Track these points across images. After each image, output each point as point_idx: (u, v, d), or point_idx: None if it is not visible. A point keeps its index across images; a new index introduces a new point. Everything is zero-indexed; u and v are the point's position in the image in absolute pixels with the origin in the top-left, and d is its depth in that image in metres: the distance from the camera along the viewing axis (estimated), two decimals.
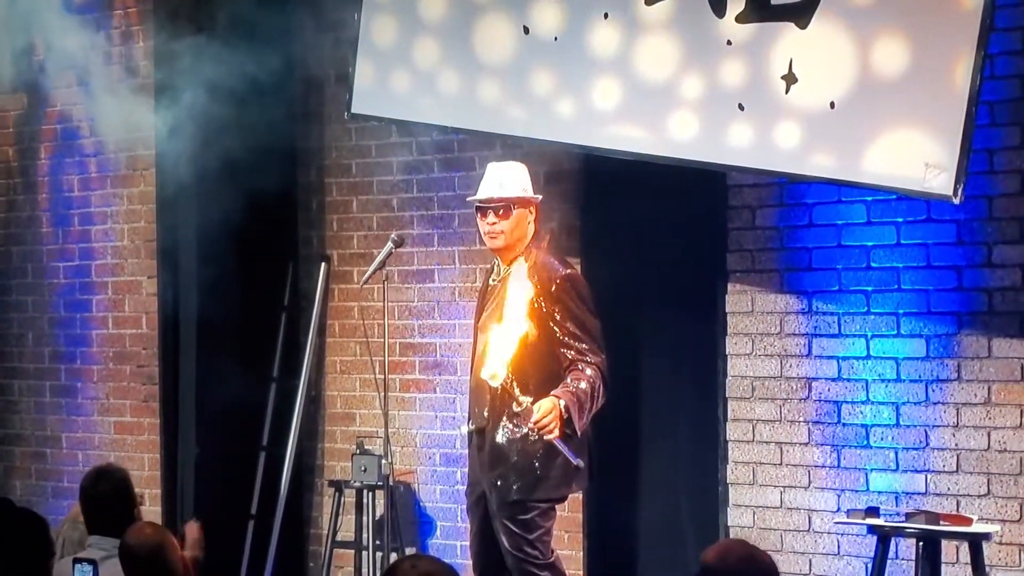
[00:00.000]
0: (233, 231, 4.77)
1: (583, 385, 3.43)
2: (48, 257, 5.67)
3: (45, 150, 5.69)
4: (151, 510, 5.03)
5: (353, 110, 4.58)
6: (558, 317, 3.50)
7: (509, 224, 3.58)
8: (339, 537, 4.73)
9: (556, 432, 3.36)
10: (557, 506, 3.60)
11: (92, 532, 3.25)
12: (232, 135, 4.63)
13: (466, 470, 3.89)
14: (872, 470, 4.03)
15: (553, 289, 3.51)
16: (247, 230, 4.82)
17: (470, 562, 3.71)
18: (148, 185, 5.33)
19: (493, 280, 3.66)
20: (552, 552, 3.55)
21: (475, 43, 4.27)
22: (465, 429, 3.66)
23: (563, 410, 3.38)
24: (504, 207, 3.60)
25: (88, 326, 5.54)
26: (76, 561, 2.99)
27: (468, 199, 3.77)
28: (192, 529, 3.37)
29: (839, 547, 4.09)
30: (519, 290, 3.48)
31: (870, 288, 4.05)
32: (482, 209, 3.64)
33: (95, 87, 5.49)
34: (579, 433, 3.43)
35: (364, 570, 4.57)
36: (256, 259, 4.91)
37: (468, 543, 3.70)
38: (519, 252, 3.60)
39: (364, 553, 4.58)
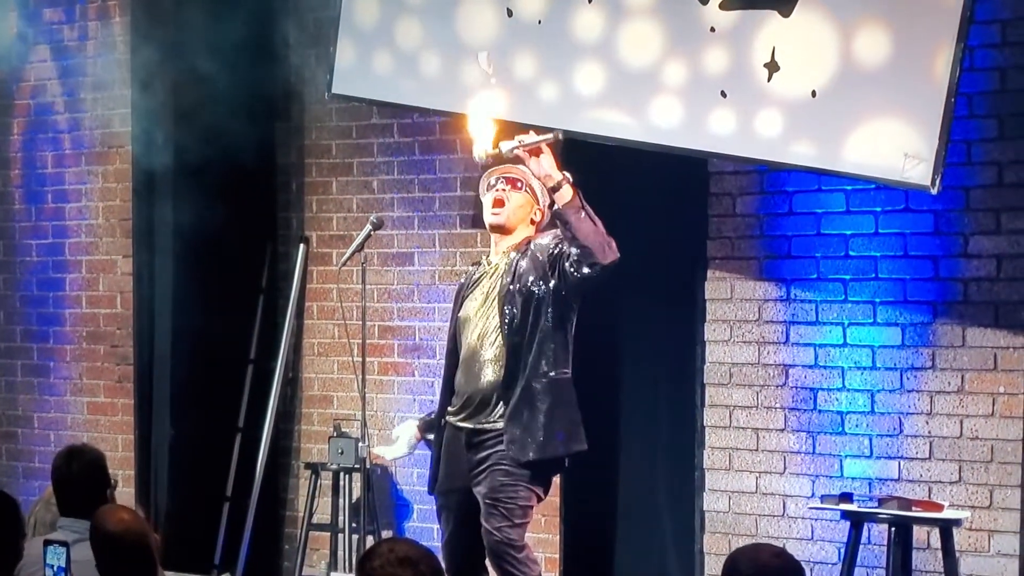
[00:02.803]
0: (210, 211, 4.73)
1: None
2: (21, 234, 5.60)
3: (18, 126, 5.61)
4: (125, 491, 4.99)
5: (334, 90, 4.55)
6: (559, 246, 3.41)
7: (514, 200, 3.49)
8: (315, 519, 4.72)
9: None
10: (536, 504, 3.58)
11: (64, 514, 3.18)
12: (210, 114, 4.58)
13: None
14: (846, 456, 4.08)
15: (555, 243, 3.44)
16: (225, 210, 4.78)
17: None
18: (124, 163, 5.27)
19: (480, 272, 3.57)
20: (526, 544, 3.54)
21: (458, 25, 4.25)
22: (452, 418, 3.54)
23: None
24: (512, 181, 3.51)
25: (61, 305, 5.48)
26: (48, 543, 2.95)
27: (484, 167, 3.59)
28: None
29: (813, 532, 4.13)
30: (523, 265, 3.42)
31: (848, 276, 4.09)
32: (491, 185, 3.55)
33: (70, 63, 5.43)
34: (577, 222, 3.30)
35: (340, 553, 4.56)
36: (234, 240, 4.87)
37: (440, 544, 3.59)
38: (514, 242, 3.54)
39: (340, 536, 4.57)
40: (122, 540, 2.76)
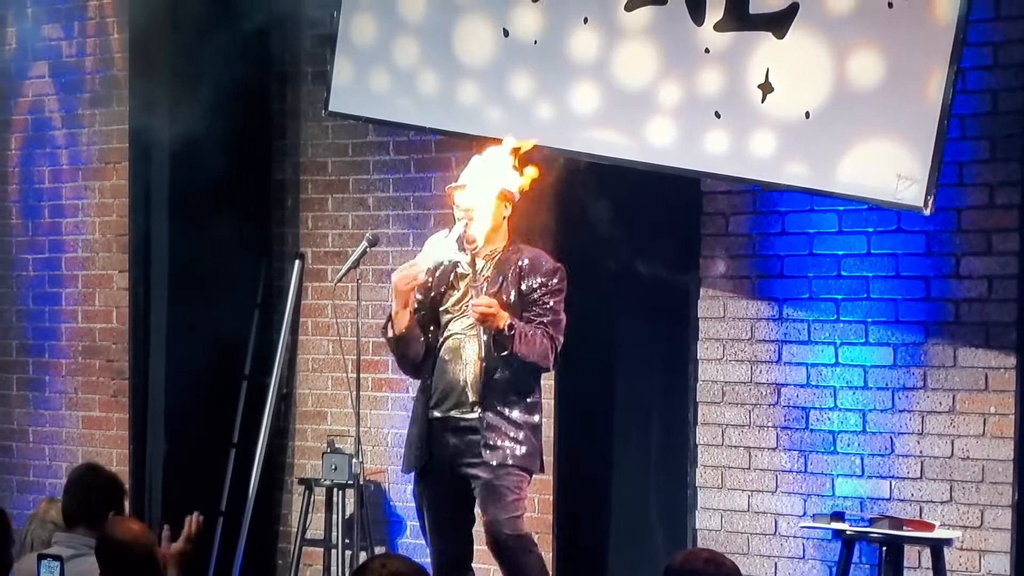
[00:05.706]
0: (206, 227, 4.75)
1: (528, 330, 3.56)
2: (17, 249, 5.61)
3: (16, 141, 5.63)
4: None
5: (331, 108, 4.58)
6: (537, 291, 3.61)
7: (476, 225, 3.62)
8: (308, 535, 4.73)
9: (490, 320, 3.47)
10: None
11: (69, 523, 3.19)
12: (207, 130, 4.61)
13: None
14: (838, 475, 4.09)
15: (544, 271, 3.63)
16: (221, 226, 4.79)
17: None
18: (120, 178, 5.29)
19: (460, 269, 3.69)
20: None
21: (455, 44, 4.28)
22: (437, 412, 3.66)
23: (507, 319, 3.49)
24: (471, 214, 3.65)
25: (57, 319, 5.49)
26: (41, 557, 2.95)
27: (447, 187, 3.82)
28: (192, 523, 3.29)
29: (804, 551, 4.14)
30: (509, 279, 3.57)
31: (840, 296, 4.11)
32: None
33: (68, 78, 5.45)
34: (513, 351, 3.52)
35: (333, 568, 4.57)
36: (230, 255, 4.89)
37: (435, 529, 3.67)
38: (496, 246, 3.65)
39: (333, 551, 4.58)
40: (130, 550, 2.77)
